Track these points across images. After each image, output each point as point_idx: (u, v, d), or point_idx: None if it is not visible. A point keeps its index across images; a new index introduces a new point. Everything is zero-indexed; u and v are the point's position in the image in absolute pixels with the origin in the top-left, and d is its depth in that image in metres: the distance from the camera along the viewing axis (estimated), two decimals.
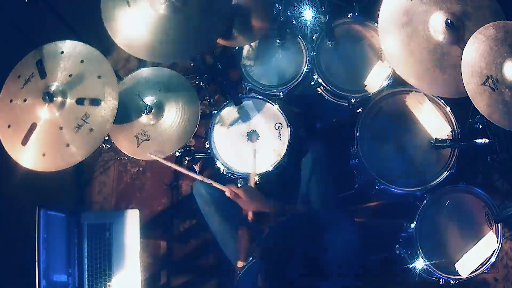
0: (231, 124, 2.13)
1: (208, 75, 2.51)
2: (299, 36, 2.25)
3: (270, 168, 2.03)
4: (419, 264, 1.98)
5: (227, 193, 1.77)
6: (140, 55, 1.86)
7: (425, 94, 2.10)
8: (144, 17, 1.83)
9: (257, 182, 2.02)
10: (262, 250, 1.43)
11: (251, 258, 1.80)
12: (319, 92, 2.25)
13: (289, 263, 1.33)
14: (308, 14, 2.19)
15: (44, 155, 1.74)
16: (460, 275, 1.95)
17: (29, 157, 1.75)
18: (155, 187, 2.75)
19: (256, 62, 2.25)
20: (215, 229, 2.03)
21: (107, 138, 1.98)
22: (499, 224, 1.99)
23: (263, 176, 2.05)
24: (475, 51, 1.71)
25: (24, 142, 1.75)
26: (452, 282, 1.96)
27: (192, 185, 2.19)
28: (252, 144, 2.09)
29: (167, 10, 1.82)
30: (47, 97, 1.73)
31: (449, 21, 1.75)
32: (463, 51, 1.73)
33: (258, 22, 2.10)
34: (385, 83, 2.14)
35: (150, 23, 1.82)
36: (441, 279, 1.97)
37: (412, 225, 1.99)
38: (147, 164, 2.78)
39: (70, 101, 1.76)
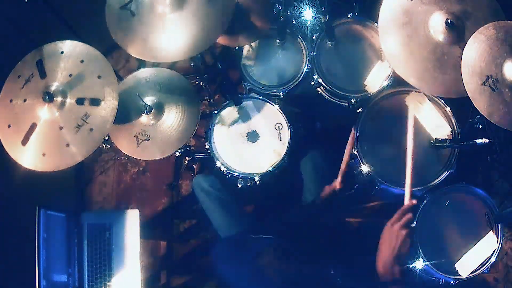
0: (231, 124, 2.13)
1: (208, 75, 2.51)
2: (299, 36, 2.25)
3: (270, 169, 2.03)
4: (419, 264, 1.98)
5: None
6: (152, 59, 1.87)
7: (425, 94, 2.10)
8: (150, 22, 1.84)
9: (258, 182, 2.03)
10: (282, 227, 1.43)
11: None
12: (319, 92, 2.25)
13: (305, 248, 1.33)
14: (308, 14, 2.19)
15: (44, 155, 1.74)
16: (460, 275, 1.95)
17: (29, 157, 1.75)
18: (155, 187, 2.75)
19: (256, 62, 2.25)
20: (217, 223, 2.03)
21: (107, 138, 1.98)
22: (499, 224, 1.99)
23: (264, 177, 2.05)
24: (475, 51, 1.71)
25: (24, 142, 1.75)
26: (452, 282, 1.96)
27: (194, 180, 2.19)
28: (252, 144, 2.09)
29: (170, 12, 1.83)
30: (47, 97, 1.72)
31: (449, 21, 1.75)
32: (463, 51, 1.73)
33: (258, 22, 2.10)
34: (385, 83, 2.14)
35: (155, 27, 1.83)
36: (441, 279, 1.97)
37: (412, 225, 1.99)
38: (147, 164, 2.78)
39: (70, 101, 1.76)
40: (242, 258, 1.52)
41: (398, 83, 2.11)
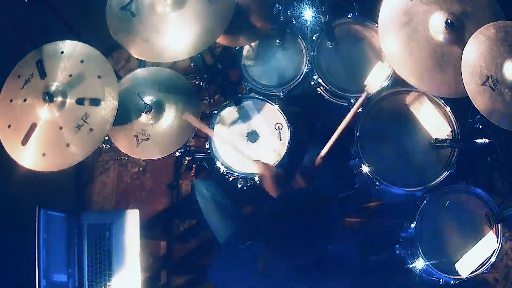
0: (231, 124, 2.13)
1: (208, 75, 2.51)
2: (299, 36, 2.25)
3: None
4: (419, 264, 1.98)
5: (257, 169, 1.84)
6: (153, 59, 1.90)
7: (425, 94, 2.10)
8: (150, 22, 1.84)
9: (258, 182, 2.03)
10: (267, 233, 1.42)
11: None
12: (319, 92, 2.25)
13: (292, 251, 1.33)
14: (308, 14, 2.19)
15: (44, 155, 1.74)
16: (460, 275, 1.95)
17: (29, 157, 1.75)
18: (155, 187, 2.74)
19: (256, 62, 2.25)
20: (215, 228, 2.04)
21: (107, 138, 1.98)
22: (499, 224, 1.99)
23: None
24: (475, 51, 1.71)
25: (24, 142, 1.75)
26: (452, 282, 1.96)
27: (193, 184, 2.20)
28: (252, 144, 2.09)
29: (170, 12, 1.83)
30: (47, 97, 1.73)
31: (449, 21, 1.75)
32: (463, 51, 1.73)
33: (258, 22, 2.10)
34: (385, 83, 2.14)
35: (156, 27, 1.83)
36: (441, 279, 1.97)
37: (412, 225, 1.99)
38: (147, 164, 2.78)
39: (70, 101, 1.76)
40: (239, 271, 1.52)
41: (398, 83, 2.11)
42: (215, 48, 2.70)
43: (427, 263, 1.95)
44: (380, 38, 1.85)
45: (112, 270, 2.02)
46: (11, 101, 1.81)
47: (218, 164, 2.08)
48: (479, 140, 1.93)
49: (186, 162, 2.56)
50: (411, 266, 2.05)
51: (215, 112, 2.15)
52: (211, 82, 2.60)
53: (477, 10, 1.82)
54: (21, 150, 1.76)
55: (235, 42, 2.13)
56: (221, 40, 2.06)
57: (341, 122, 1.81)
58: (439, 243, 1.99)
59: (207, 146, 2.11)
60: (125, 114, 1.97)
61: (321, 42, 2.21)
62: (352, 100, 2.15)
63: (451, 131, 2.07)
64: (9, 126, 1.79)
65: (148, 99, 1.99)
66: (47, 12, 1.91)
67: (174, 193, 2.72)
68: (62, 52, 1.82)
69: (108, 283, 2.01)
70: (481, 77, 1.69)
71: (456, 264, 1.96)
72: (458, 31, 1.78)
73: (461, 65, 1.71)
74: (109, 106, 1.74)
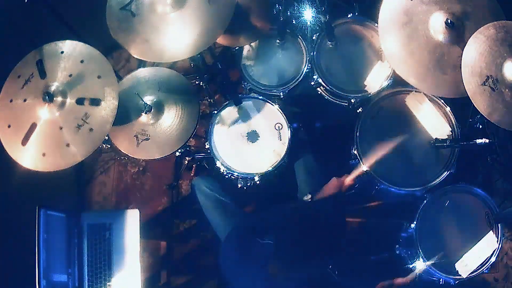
0: (231, 124, 2.13)
1: (208, 75, 2.51)
2: (299, 36, 2.25)
3: (270, 169, 2.03)
4: (419, 264, 1.98)
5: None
6: (153, 59, 1.89)
7: (425, 94, 2.10)
8: (150, 22, 1.84)
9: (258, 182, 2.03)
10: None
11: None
12: (319, 92, 2.25)
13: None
14: (308, 14, 2.19)
15: (44, 155, 1.74)
16: (460, 275, 1.95)
17: (29, 157, 1.75)
18: (155, 187, 2.75)
19: (256, 62, 2.25)
20: (215, 224, 2.04)
21: (107, 138, 1.98)
22: (499, 224, 1.99)
23: (263, 177, 2.05)
24: (475, 51, 1.71)
25: (24, 142, 1.75)
26: (452, 282, 1.96)
27: (193, 181, 2.20)
28: (252, 144, 2.09)
29: (170, 12, 1.83)
30: (47, 97, 1.73)
31: (449, 21, 1.75)
32: (463, 51, 1.73)
33: (258, 22, 2.10)
34: (385, 83, 2.14)
35: (156, 27, 1.84)
36: (441, 279, 1.97)
37: (412, 225, 2.00)
38: (147, 164, 2.78)
39: (70, 101, 1.76)
40: (251, 265, 1.53)
41: (398, 83, 2.11)
42: (215, 48, 2.70)
43: (427, 263, 1.95)
44: (380, 38, 1.85)
45: (112, 270, 2.02)
46: (11, 101, 1.80)
47: (218, 164, 2.08)
48: (479, 140, 1.93)
49: (186, 162, 2.56)
50: (411, 266, 2.05)
51: (215, 112, 2.15)
52: (211, 82, 2.60)
53: (477, 10, 1.82)
54: (21, 150, 1.75)
55: (235, 42, 2.13)
56: (221, 40, 2.06)
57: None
58: (439, 243, 1.99)
59: (207, 146, 2.11)
60: (125, 114, 1.97)
61: (321, 42, 2.21)
62: (352, 100, 2.15)
63: (451, 131, 2.07)
64: (9, 126, 1.78)
65: (148, 99, 1.99)
66: (47, 12, 1.91)
67: (174, 193, 2.72)
68: (62, 52, 1.82)
69: (108, 283, 2.01)
70: (481, 77, 1.69)
71: (456, 264, 1.96)
72: (458, 31, 1.78)
73: (461, 65, 1.71)
74: (109, 106, 1.74)
